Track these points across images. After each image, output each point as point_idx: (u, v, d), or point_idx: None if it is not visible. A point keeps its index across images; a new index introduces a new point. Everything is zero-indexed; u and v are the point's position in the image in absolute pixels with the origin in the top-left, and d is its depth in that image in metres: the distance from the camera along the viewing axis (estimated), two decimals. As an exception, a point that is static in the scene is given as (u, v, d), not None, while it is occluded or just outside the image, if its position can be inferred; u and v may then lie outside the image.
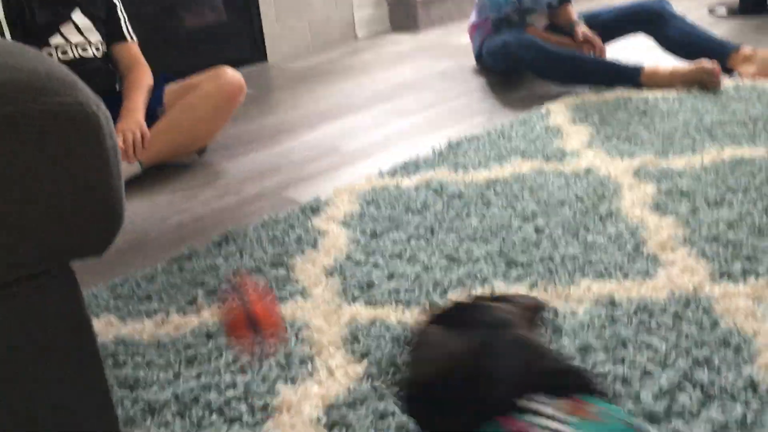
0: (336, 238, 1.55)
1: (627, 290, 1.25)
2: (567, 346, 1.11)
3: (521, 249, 1.42)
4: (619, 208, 1.55)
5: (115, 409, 0.82)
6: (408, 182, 1.81)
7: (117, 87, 2.19)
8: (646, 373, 1.04)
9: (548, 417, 0.72)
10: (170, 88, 2.19)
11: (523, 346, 0.81)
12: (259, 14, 3.46)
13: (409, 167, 1.91)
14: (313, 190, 1.86)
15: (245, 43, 3.47)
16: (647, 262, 1.33)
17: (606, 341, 1.12)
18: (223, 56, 3.36)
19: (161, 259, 1.53)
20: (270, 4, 3.48)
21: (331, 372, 1.12)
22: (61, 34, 2.06)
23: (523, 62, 2.54)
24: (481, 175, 1.82)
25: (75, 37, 2.08)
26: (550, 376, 0.78)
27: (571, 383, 0.77)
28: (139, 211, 1.85)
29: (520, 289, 1.28)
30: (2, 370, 0.72)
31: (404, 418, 0.99)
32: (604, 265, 1.33)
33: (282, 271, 1.44)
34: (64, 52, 2.07)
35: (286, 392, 1.07)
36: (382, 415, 1.01)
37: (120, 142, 1.89)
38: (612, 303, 1.21)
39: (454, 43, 3.49)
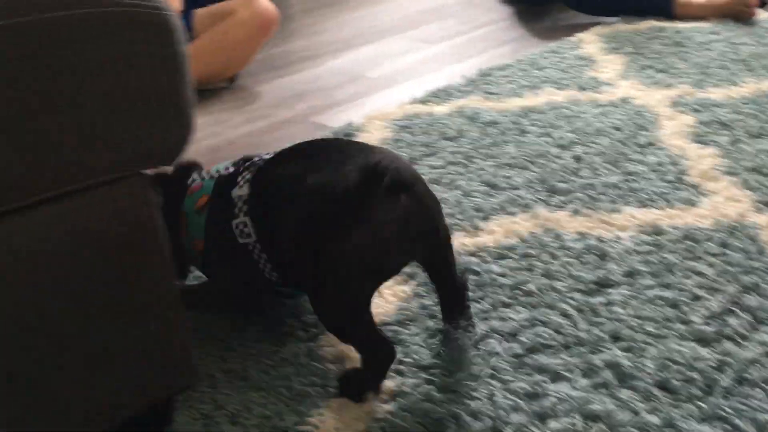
0: (372, 163, 1.54)
1: (671, 218, 1.25)
2: (613, 270, 1.12)
3: (561, 176, 1.42)
4: (658, 138, 1.54)
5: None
6: (441, 109, 1.79)
7: None
8: (695, 298, 1.05)
9: None
10: (200, 13, 2.13)
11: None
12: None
13: (441, 94, 1.88)
14: (343, 116, 1.84)
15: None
16: (690, 191, 1.33)
17: (653, 267, 1.12)
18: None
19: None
20: (288, -74, 3.39)
21: (379, 292, 1.12)
22: None
23: (554, -9, 2.48)
24: (515, 103, 1.79)
25: None
26: None
27: None
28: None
29: (562, 215, 1.28)
30: (76, 274, 0.73)
31: (453, 336, 1.00)
32: (647, 193, 1.33)
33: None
34: None
35: (335, 310, 1.08)
36: (432, 334, 1.02)
37: None
38: (657, 230, 1.21)
39: (476, -30, 3.41)
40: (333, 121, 1.82)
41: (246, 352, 1.01)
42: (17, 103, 0.64)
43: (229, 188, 1.01)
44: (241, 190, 0.99)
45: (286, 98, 2.02)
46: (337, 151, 0.95)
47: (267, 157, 1.03)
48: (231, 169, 1.05)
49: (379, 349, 0.92)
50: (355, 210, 0.87)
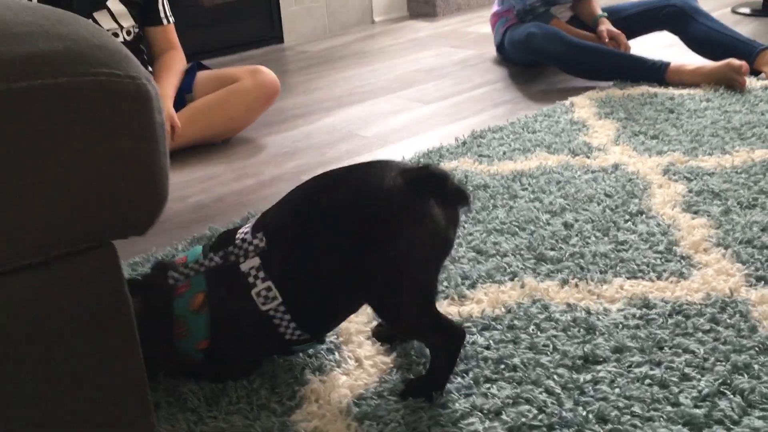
0: (360, 225, 1.52)
1: (661, 291, 1.22)
2: (601, 345, 1.09)
3: (551, 244, 1.39)
4: (649, 207, 1.52)
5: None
6: (431, 171, 1.78)
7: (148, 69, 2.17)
8: (684, 377, 1.01)
9: None
10: (202, 75, 2.15)
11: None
12: (277, -6, 3.42)
13: (432, 155, 1.88)
14: (334, 175, 1.83)
15: (262, 24, 3.44)
16: (681, 262, 1.30)
17: (642, 342, 1.09)
18: (240, 36, 3.34)
19: (182, 239, 1.50)
20: (288, -16, 3.44)
21: (359, 362, 1.09)
22: (94, 20, 2.01)
23: (548, 55, 2.50)
24: (507, 166, 1.79)
25: (107, 23, 2.03)
26: None
27: None
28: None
29: (550, 284, 1.26)
30: (41, 343, 0.70)
31: (436, 411, 0.97)
32: (637, 264, 1.31)
33: (306, 257, 1.41)
34: None
35: (314, 382, 1.05)
36: (414, 409, 0.99)
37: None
38: (646, 303, 1.19)
39: (473, 31, 3.46)
40: (323, 180, 1.80)
41: (217, 426, 0.97)
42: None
43: (229, 275, 1.00)
44: (251, 261, 0.99)
45: (277, 156, 2.01)
46: (349, 172, 1.00)
47: (248, 229, 1.03)
48: (216, 260, 1.02)
49: (451, 333, 0.98)
50: (410, 206, 0.92)
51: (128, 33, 2.08)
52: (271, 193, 1.75)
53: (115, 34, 2.05)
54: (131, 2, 2.08)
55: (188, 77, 2.13)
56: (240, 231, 1.04)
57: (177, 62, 2.13)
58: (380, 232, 0.93)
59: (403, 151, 1.96)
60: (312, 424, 0.97)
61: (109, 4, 2.04)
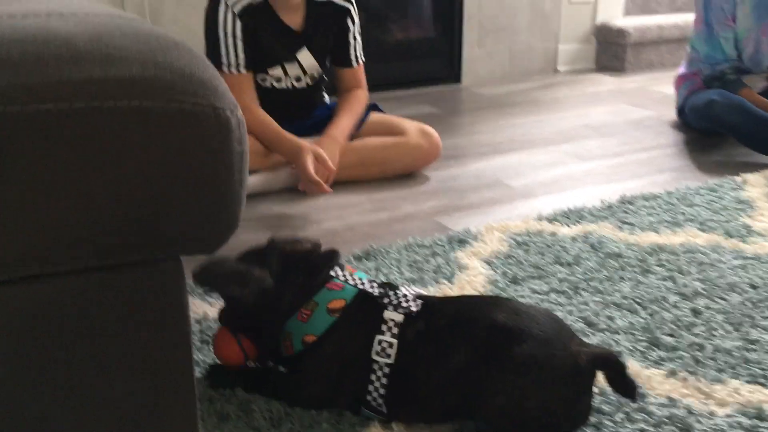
0: (474, 276, 1.49)
1: (782, 404, 1.09)
2: (693, 451, 0.99)
3: (670, 329, 1.29)
4: (798, 307, 1.36)
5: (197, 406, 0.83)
6: (566, 231, 1.72)
7: (324, 100, 2.27)
8: (779, 508, 0.89)
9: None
10: (374, 117, 2.20)
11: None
12: (461, 35, 3.46)
13: (572, 215, 1.81)
14: (466, 221, 1.82)
15: (443, 63, 3.50)
16: (816, 376, 1.15)
17: (741, 457, 0.97)
18: (419, 73, 3.42)
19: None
20: (474, 26, 3.48)
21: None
22: (282, 67, 2.07)
23: (726, 125, 2.33)
24: (649, 238, 1.68)
25: (294, 71, 2.08)
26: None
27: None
28: (298, 209, 1.91)
29: (656, 373, 1.16)
30: (92, 345, 0.76)
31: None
32: (763, 368, 1.17)
33: (411, 298, 1.41)
34: (278, 80, 2.09)
35: (376, 429, 1.04)
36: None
37: (309, 165, 1.86)
38: (760, 415, 1.06)
39: (659, 91, 3.30)
40: (456, 224, 1.80)
41: (273, 449, 0.99)
42: (73, 176, 0.69)
43: (372, 309, 1.07)
44: (395, 315, 1.04)
45: (418, 193, 2.04)
46: (532, 320, 1.02)
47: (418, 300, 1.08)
48: (375, 290, 1.09)
49: None
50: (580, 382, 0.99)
51: (312, 78, 2.13)
52: (401, 229, 1.77)
53: (298, 80, 2.10)
54: (321, 53, 2.10)
55: (363, 115, 2.18)
56: (403, 288, 1.11)
57: (358, 103, 2.12)
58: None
59: (544, 205, 1.90)
60: (362, 468, 0.96)
61: (299, 56, 2.07)
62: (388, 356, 1.02)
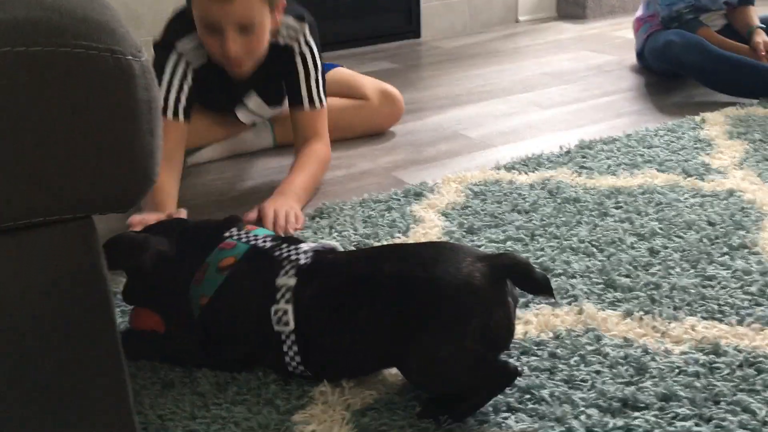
0: (430, 228, 1.46)
1: (738, 337, 1.07)
2: (647, 390, 0.96)
3: (626, 270, 1.26)
4: (755, 241, 1.34)
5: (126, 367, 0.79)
6: (524, 178, 1.68)
7: None
8: (733, 441, 0.88)
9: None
10: (333, 74, 2.09)
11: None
12: (418, -12, 3.39)
13: (530, 163, 1.77)
14: (424, 174, 1.78)
15: (401, 17, 3.42)
16: (772, 308, 1.14)
17: (696, 393, 0.95)
18: (377, 28, 3.35)
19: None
20: (431, -21, 3.40)
21: (380, 373, 1.04)
22: (234, 115, 1.91)
23: (685, 65, 2.30)
24: (607, 181, 1.65)
25: (247, 118, 1.92)
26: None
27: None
28: (251, 171, 1.86)
29: (611, 314, 1.13)
30: (13, 311, 0.71)
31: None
32: (719, 303, 1.15)
33: (365, 254, 1.37)
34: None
35: (325, 385, 1.01)
36: (419, 429, 0.92)
37: (268, 219, 1.49)
38: (716, 350, 1.04)
39: (620, 36, 3.26)
40: (413, 178, 1.76)
41: (217, 415, 0.96)
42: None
43: (264, 262, 1.03)
44: (288, 280, 0.99)
45: (375, 149, 1.99)
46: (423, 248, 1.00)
47: (310, 250, 1.04)
48: (268, 243, 1.05)
49: (503, 373, 0.93)
50: (491, 290, 0.91)
51: (271, 118, 1.99)
52: (357, 186, 1.73)
53: (254, 124, 1.99)
54: (270, 96, 1.88)
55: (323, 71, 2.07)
56: (303, 246, 1.05)
57: (314, 159, 1.73)
58: (452, 310, 0.90)
59: (502, 155, 1.87)
60: (310, 427, 0.93)
61: (246, 101, 1.87)
62: (287, 324, 0.97)
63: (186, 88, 1.68)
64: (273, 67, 1.75)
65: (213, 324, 1.04)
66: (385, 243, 1.41)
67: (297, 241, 1.08)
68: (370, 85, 2.09)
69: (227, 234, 1.09)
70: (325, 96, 1.80)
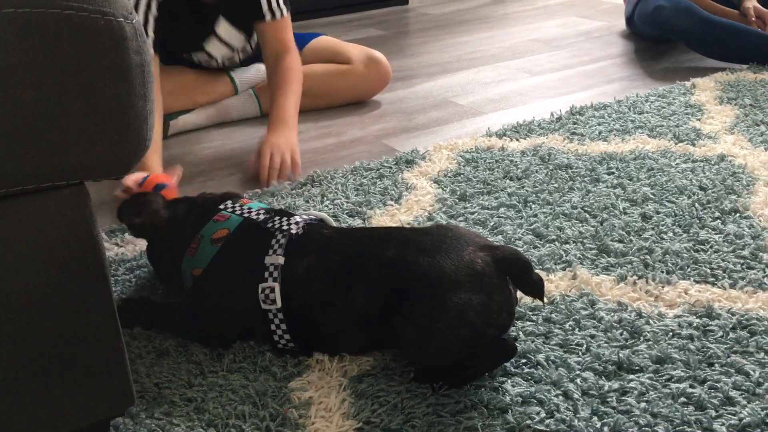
0: (422, 195, 1.45)
1: (731, 300, 1.08)
2: (641, 353, 0.97)
3: (619, 236, 1.27)
4: (747, 206, 1.35)
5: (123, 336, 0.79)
6: (515, 145, 1.68)
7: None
8: (727, 401, 0.88)
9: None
10: (316, 42, 2.07)
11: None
12: (406, -46, 3.34)
13: (521, 129, 1.77)
14: (414, 142, 1.77)
15: (388, -17, 3.38)
16: (764, 271, 1.14)
17: (689, 355, 0.96)
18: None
19: (246, 193, 1.50)
20: (419, -56, 3.36)
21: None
22: (206, 53, 1.88)
23: (674, 30, 2.28)
24: (598, 147, 1.65)
25: (218, 51, 1.88)
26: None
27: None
28: (241, 139, 1.84)
29: (605, 279, 1.14)
30: (8, 280, 0.70)
31: (439, 399, 0.90)
32: (711, 267, 1.16)
33: (357, 222, 1.37)
34: (208, 62, 1.92)
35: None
36: (416, 394, 0.92)
37: (265, 161, 1.55)
38: (709, 313, 1.05)
39: (610, 1, 3.25)
40: (403, 146, 1.75)
41: (214, 383, 0.96)
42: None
43: (257, 233, 1.02)
44: (275, 258, 0.98)
45: (364, 117, 1.97)
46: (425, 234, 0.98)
47: (301, 222, 1.04)
48: (261, 216, 1.05)
49: (502, 350, 0.94)
50: (496, 278, 0.91)
51: (243, 50, 1.93)
52: (348, 155, 1.72)
53: (230, 59, 1.93)
54: (237, 17, 1.82)
55: (300, 43, 2.03)
56: (296, 218, 1.05)
57: (291, 75, 1.74)
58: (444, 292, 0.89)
59: (492, 122, 1.86)
60: (307, 394, 0.93)
61: (217, 29, 1.83)
62: (273, 302, 0.97)
63: (151, 19, 1.66)
64: None
65: (204, 296, 1.03)
66: (377, 211, 1.40)
67: (290, 214, 1.07)
68: (355, 50, 2.05)
69: (222, 207, 1.09)
70: (286, 5, 1.78)
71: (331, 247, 0.99)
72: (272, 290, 0.97)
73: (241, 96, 1.97)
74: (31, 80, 0.64)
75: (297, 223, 1.03)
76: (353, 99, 2.05)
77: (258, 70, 1.98)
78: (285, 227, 1.02)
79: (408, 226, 1.33)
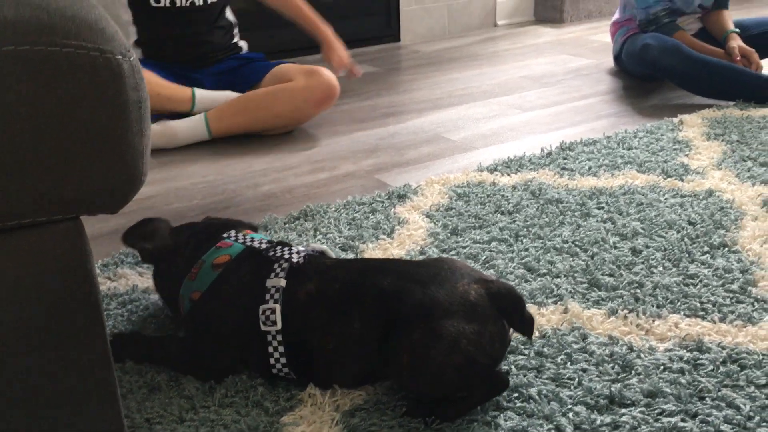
0: (414, 230, 1.46)
1: (721, 334, 1.08)
2: (633, 386, 0.97)
3: (610, 270, 1.28)
4: (735, 240, 1.36)
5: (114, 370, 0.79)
6: (506, 180, 1.69)
7: (239, 46, 2.21)
8: (719, 436, 0.89)
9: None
10: (276, 69, 2.16)
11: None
12: (397, -8, 3.40)
13: (512, 165, 1.79)
14: (406, 176, 1.78)
15: (380, 21, 3.43)
16: (753, 305, 1.15)
17: (681, 389, 0.97)
18: (357, 32, 3.35)
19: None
20: (410, -17, 3.41)
21: (368, 371, 1.04)
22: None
23: (662, 68, 2.32)
24: (588, 182, 1.67)
25: None
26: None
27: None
28: (234, 174, 1.85)
29: (596, 313, 1.14)
30: (1, 312, 0.70)
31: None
32: (701, 301, 1.17)
33: (350, 256, 1.37)
34: (173, 3, 2.05)
35: (313, 386, 1.01)
36: (408, 429, 0.92)
37: (342, 51, 2.14)
38: (699, 347, 1.06)
39: (597, 40, 3.29)
40: (396, 181, 1.76)
41: (206, 418, 0.95)
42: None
43: (258, 261, 1.04)
44: (277, 281, 1.00)
45: (357, 152, 1.99)
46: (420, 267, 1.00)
47: (302, 252, 1.06)
48: (264, 245, 1.07)
49: (494, 383, 0.95)
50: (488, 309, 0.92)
51: None
52: (340, 189, 1.73)
53: (191, 2, 2.06)
54: None
55: (263, 68, 2.14)
56: (298, 248, 1.07)
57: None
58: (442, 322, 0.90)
59: (484, 157, 1.88)
60: (299, 429, 0.93)
61: None
62: (274, 323, 0.97)
63: None
64: None
65: (201, 320, 1.04)
66: (370, 245, 1.41)
67: (290, 245, 1.08)
68: (298, 68, 2.12)
69: (225, 234, 1.11)
70: None
71: (331, 276, 1.00)
72: (273, 311, 0.98)
73: (189, 119, 2.03)
74: (30, 115, 0.65)
75: (298, 252, 1.04)
76: (297, 112, 2.08)
77: (227, 97, 2.07)
78: (287, 255, 1.03)
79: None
